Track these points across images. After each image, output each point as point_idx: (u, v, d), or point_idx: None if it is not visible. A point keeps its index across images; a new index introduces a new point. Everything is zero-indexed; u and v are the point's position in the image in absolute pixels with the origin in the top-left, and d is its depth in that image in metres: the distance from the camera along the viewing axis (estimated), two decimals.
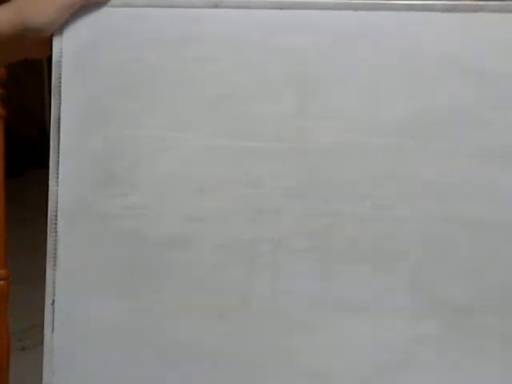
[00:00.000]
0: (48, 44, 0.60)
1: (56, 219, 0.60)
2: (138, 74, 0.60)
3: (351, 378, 0.59)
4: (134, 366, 0.60)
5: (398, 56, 0.58)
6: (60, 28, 0.60)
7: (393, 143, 0.58)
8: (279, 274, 0.59)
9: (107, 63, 0.60)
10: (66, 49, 0.60)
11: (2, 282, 0.83)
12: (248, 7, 0.59)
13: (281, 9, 0.58)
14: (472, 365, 0.58)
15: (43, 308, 0.61)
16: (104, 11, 0.60)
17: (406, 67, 0.58)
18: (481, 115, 0.57)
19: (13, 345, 0.84)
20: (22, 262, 1.55)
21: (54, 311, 0.60)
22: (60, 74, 0.60)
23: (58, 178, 0.60)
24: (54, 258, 0.60)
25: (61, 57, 0.60)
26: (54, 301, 0.60)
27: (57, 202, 0.60)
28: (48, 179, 0.61)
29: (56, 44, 0.60)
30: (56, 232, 0.60)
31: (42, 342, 0.61)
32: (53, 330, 0.61)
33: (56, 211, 0.60)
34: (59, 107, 0.60)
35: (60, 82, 0.60)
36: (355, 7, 0.58)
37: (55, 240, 0.60)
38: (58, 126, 0.60)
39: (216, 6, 0.59)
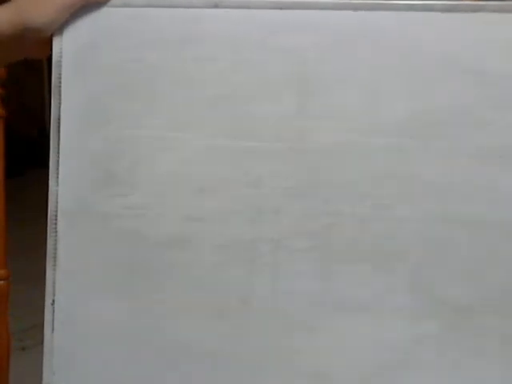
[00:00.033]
0: (48, 44, 0.60)
1: (56, 219, 0.60)
2: (138, 73, 0.60)
3: (351, 378, 0.59)
4: (134, 365, 0.60)
5: (398, 56, 0.58)
6: (60, 28, 0.60)
7: (393, 143, 0.58)
8: (279, 274, 0.59)
9: (107, 63, 0.60)
10: (66, 49, 0.60)
11: (1, 282, 0.83)
12: (248, 7, 0.59)
13: (281, 9, 0.58)
14: (472, 365, 0.58)
15: (43, 308, 0.61)
16: (104, 11, 0.60)
17: (406, 67, 0.58)
18: (481, 115, 0.57)
19: (13, 345, 0.84)
20: (21, 262, 1.55)
21: (53, 311, 0.60)
22: (60, 74, 0.60)
23: (58, 177, 0.60)
24: (54, 257, 0.60)
25: (61, 57, 0.60)
26: (53, 301, 0.60)
27: (57, 202, 0.60)
28: (48, 179, 0.61)
29: (56, 44, 0.60)
30: (56, 232, 0.60)
31: (42, 342, 0.61)
32: (53, 330, 0.61)
33: (56, 211, 0.60)
34: (59, 107, 0.60)
35: (60, 82, 0.60)
36: (355, 7, 0.58)
37: (55, 240, 0.60)
38: (58, 126, 0.60)
39: (216, 6, 0.59)
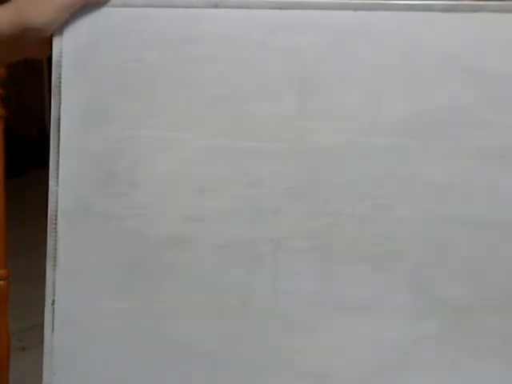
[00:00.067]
0: (48, 44, 0.60)
1: (56, 219, 0.60)
2: (138, 73, 0.60)
3: (351, 378, 0.59)
4: (134, 365, 0.60)
5: (398, 56, 0.58)
6: (60, 28, 0.60)
7: (393, 143, 0.58)
8: (279, 274, 0.59)
9: (107, 63, 0.60)
10: (66, 49, 0.60)
11: (1, 282, 0.83)
12: (248, 7, 0.59)
13: (281, 9, 0.58)
14: (472, 365, 0.58)
15: (43, 308, 0.61)
16: (104, 11, 0.60)
17: (406, 67, 0.58)
18: (481, 115, 0.57)
19: (13, 345, 0.84)
20: (22, 261, 1.55)
21: (54, 311, 0.60)
22: (60, 74, 0.60)
23: (58, 177, 0.60)
24: (54, 257, 0.60)
25: (61, 57, 0.60)
26: (54, 301, 0.60)
27: (57, 202, 0.60)
28: (48, 179, 0.61)
29: (56, 44, 0.60)
30: (56, 232, 0.60)
31: (42, 342, 0.61)
32: (53, 330, 0.61)
33: (56, 211, 0.60)
34: (59, 107, 0.60)
35: (60, 82, 0.60)
36: (355, 7, 0.58)
37: (55, 240, 0.60)
38: (58, 126, 0.60)
39: (216, 6, 0.59)
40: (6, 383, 0.84)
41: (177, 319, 0.60)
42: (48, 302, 0.61)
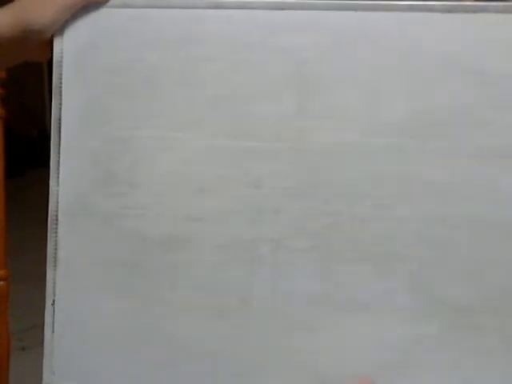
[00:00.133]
0: (48, 46, 0.60)
1: (57, 219, 0.60)
2: (138, 74, 0.60)
3: (351, 378, 0.59)
4: (134, 365, 0.60)
5: (398, 56, 0.58)
6: (61, 28, 0.59)
7: (393, 143, 0.58)
8: (279, 273, 0.59)
9: (107, 63, 0.60)
10: (66, 49, 0.60)
11: (1, 282, 0.83)
12: (248, 7, 0.59)
13: (282, 9, 0.58)
14: (472, 364, 0.58)
15: (43, 308, 0.61)
16: (104, 11, 0.60)
17: (406, 67, 0.58)
18: (481, 115, 0.57)
19: (13, 345, 0.84)
20: (21, 262, 1.55)
21: (54, 311, 0.61)
22: (61, 74, 0.60)
23: (58, 177, 0.60)
24: (55, 257, 0.60)
25: (62, 57, 0.60)
26: (54, 301, 0.60)
27: (57, 202, 0.60)
28: (48, 179, 0.61)
29: (57, 44, 0.60)
30: (56, 232, 0.60)
31: (42, 342, 0.61)
32: (53, 330, 0.61)
33: (57, 211, 0.60)
34: (60, 107, 0.60)
35: (61, 83, 0.60)
36: (355, 8, 0.58)
37: (56, 240, 0.60)
38: (59, 126, 0.60)
39: (216, 7, 0.59)
40: (6, 383, 0.84)
41: (177, 319, 0.60)
42: (48, 302, 0.61)
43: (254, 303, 0.59)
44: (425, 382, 0.58)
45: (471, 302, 0.58)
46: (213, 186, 0.59)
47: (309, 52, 0.58)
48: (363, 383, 0.45)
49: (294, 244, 0.59)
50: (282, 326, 0.59)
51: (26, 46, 0.59)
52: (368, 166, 0.58)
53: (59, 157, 0.60)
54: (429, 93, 0.58)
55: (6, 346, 0.82)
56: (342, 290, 0.58)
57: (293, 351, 0.59)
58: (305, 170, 0.59)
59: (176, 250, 0.59)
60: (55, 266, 0.60)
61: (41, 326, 0.61)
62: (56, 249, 0.60)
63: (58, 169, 0.60)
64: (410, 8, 0.58)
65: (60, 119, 0.60)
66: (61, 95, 0.60)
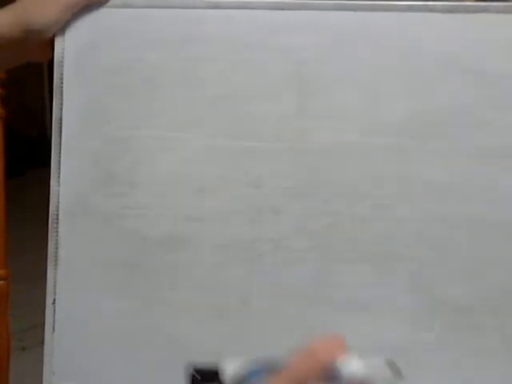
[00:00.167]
0: (49, 47, 0.60)
1: (57, 219, 0.60)
2: (138, 73, 0.60)
3: None
4: (134, 365, 0.60)
5: (398, 56, 0.58)
6: (62, 28, 0.59)
7: (393, 143, 0.58)
8: (279, 274, 0.59)
9: (107, 63, 0.60)
10: (67, 49, 0.60)
11: (1, 282, 0.83)
12: (248, 7, 0.59)
13: (282, 9, 0.58)
14: (472, 364, 0.58)
15: (43, 308, 0.61)
16: (104, 11, 0.60)
17: (406, 67, 0.58)
18: (481, 115, 0.57)
19: (13, 345, 0.84)
20: (21, 261, 1.55)
21: (54, 311, 0.61)
22: (62, 74, 0.60)
23: (59, 177, 0.60)
24: (55, 257, 0.60)
25: (63, 57, 0.60)
26: (54, 299, 0.60)
27: (58, 202, 0.60)
28: (48, 179, 0.61)
29: (58, 44, 0.60)
30: (57, 232, 0.60)
31: (42, 342, 0.61)
32: (53, 329, 0.61)
33: (57, 211, 0.60)
34: (61, 107, 0.60)
35: (62, 82, 0.60)
36: (355, 8, 0.58)
37: (56, 239, 0.60)
38: (60, 126, 0.60)
39: (216, 7, 0.59)
40: (6, 383, 0.84)
41: (177, 319, 0.60)
42: (49, 301, 0.61)
43: (254, 303, 0.59)
44: (425, 382, 0.58)
45: (471, 302, 0.58)
46: (213, 186, 0.59)
47: (309, 52, 0.58)
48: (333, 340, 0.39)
49: (294, 244, 0.59)
50: (282, 326, 0.59)
51: (26, 46, 0.59)
52: (368, 166, 0.58)
53: (60, 157, 0.60)
54: (429, 93, 0.58)
55: (6, 345, 0.82)
56: (342, 290, 0.58)
57: (293, 351, 0.59)
58: (305, 170, 0.59)
59: (176, 249, 0.59)
60: (56, 265, 0.60)
61: (41, 326, 0.61)
62: (57, 248, 0.60)
63: (59, 169, 0.60)
64: (410, 8, 0.58)
65: (61, 119, 0.60)
66: (62, 95, 0.60)
